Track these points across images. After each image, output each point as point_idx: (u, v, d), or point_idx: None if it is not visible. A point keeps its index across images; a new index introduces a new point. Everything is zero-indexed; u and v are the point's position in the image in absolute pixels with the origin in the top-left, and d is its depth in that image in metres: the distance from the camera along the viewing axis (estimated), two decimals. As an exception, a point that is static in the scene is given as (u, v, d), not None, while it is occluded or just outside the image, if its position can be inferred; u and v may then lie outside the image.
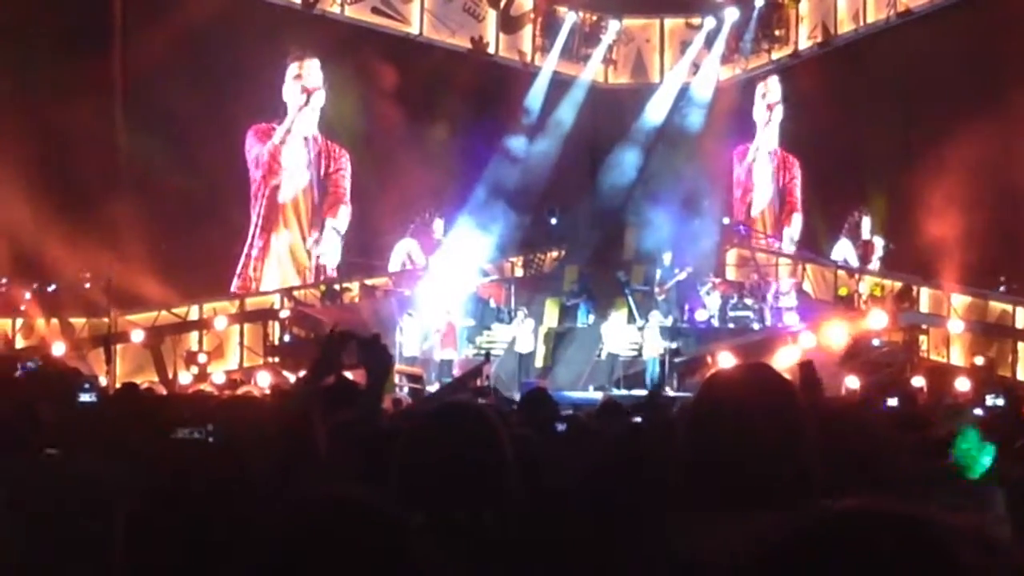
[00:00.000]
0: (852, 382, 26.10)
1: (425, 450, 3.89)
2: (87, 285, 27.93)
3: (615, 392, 28.20)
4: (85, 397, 12.39)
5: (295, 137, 34.39)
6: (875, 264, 34.07)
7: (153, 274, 28.49)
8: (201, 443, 5.55)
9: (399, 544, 2.54)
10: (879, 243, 33.70)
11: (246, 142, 33.29)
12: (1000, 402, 15.26)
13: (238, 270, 32.93)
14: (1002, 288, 29.22)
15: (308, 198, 34.77)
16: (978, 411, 13.76)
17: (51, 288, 27.84)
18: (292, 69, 33.92)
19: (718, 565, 1.87)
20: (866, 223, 34.67)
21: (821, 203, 34.98)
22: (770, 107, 37.42)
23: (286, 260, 33.98)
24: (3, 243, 26.60)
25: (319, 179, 34.96)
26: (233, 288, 32.52)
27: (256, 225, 33.66)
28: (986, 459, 7.22)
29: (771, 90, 37.47)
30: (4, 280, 27.64)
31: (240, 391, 20.04)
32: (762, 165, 37.78)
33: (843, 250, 35.39)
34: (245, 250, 33.24)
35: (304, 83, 34.18)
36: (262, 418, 4.99)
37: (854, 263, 34.81)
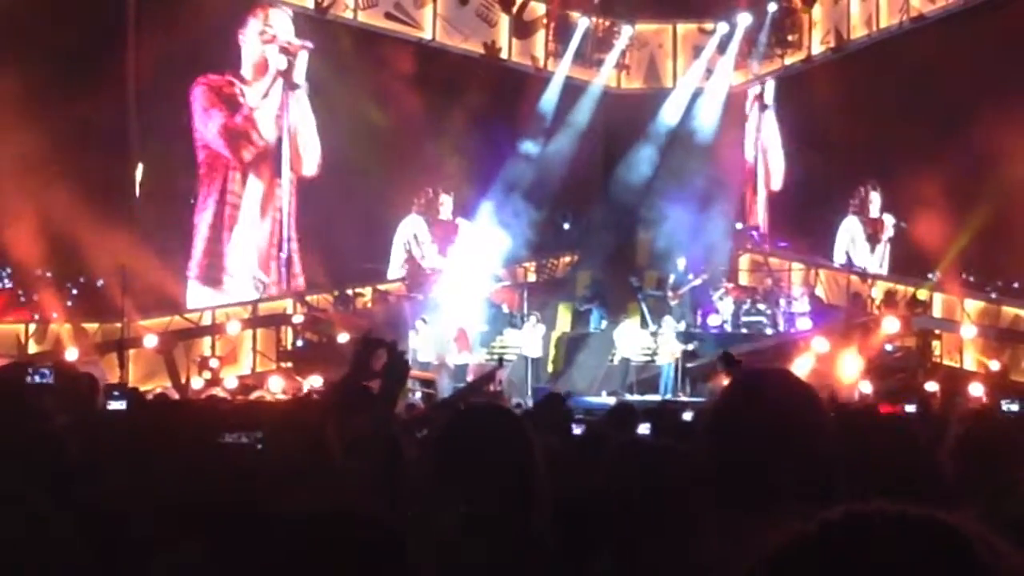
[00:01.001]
0: (865, 387, 26.13)
1: (462, 449, 3.93)
2: (100, 282, 27.92)
3: (628, 397, 28.21)
4: (115, 404, 11.98)
5: (271, 102, 33.48)
6: (884, 247, 34.02)
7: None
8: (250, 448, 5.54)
9: (396, 556, 2.56)
10: (889, 221, 33.56)
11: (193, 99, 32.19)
12: (1015, 408, 15.13)
13: (197, 257, 31.89)
14: (993, 294, 29.30)
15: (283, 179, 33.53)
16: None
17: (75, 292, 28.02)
18: (254, 25, 33.11)
19: (740, 567, 1.86)
20: (875, 199, 34.59)
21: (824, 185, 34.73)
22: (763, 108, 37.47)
23: (252, 254, 32.98)
24: (32, 244, 26.63)
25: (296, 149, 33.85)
26: (193, 275, 31.69)
27: (221, 211, 32.53)
28: None
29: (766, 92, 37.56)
30: (46, 273, 27.70)
31: (253, 396, 20.11)
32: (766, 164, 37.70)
33: (850, 228, 35.32)
34: (205, 234, 32.17)
35: (279, 41, 33.33)
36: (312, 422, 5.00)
37: (861, 243, 34.74)
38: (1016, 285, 29.16)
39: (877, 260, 34.63)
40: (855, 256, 35.01)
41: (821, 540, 1.78)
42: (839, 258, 35.76)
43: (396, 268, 35.64)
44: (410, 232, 35.99)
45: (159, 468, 5.42)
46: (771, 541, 1.83)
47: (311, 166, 33.79)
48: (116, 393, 12.94)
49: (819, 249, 35.39)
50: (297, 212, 33.41)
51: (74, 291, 28.34)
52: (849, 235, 35.40)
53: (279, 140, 33.23)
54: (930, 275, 30.36)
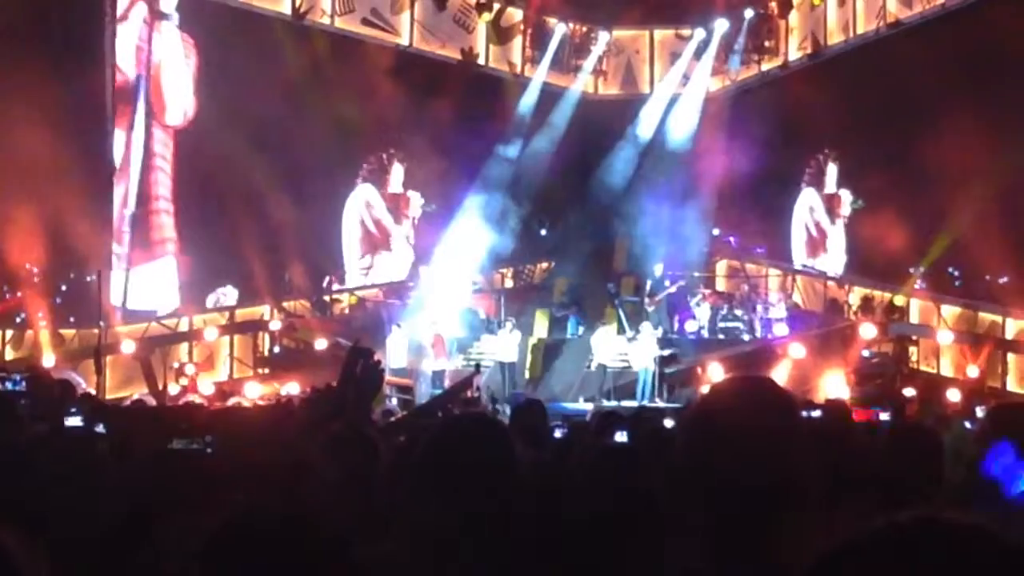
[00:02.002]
0: (844, 393, 26.12)
1: (446, 454, 3.97)
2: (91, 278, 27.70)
3: (605, 403, 28.22)
4: (72, 421, 11.26)
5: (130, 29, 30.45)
6: (839, 227, 34.12)
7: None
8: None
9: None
10: (846, 197, 33.63)
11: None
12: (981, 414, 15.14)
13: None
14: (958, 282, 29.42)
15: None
16: (967, 423, 13.73)
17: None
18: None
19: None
20: (831, 171, 34.64)
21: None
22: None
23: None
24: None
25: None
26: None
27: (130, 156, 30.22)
28: None
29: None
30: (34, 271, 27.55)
31: (230, 402, 20.07)
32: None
33: (808, 200, 35.41)
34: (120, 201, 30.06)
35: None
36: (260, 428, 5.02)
37: (821, 214, 34.85)
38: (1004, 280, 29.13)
39: (838, 234, 34.68)
40: (817, 229, 35.12)
41: (871, 548, 1.79)
42: (798, 233, 35.85)
43: (353, 243, 35.08)
44: (362, 202, 35.48)
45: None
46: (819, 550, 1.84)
47: (176, 115, 30.71)
48: (73, 409, 12.53)
49: (776, 227, 35.53)
50: (175, 170, 30.69)
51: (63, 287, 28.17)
52: (807, 206, 35.47)
53: (139, 78, 30.30)
54: (912, 269, 30.29)
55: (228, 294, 31.30)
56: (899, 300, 31.06)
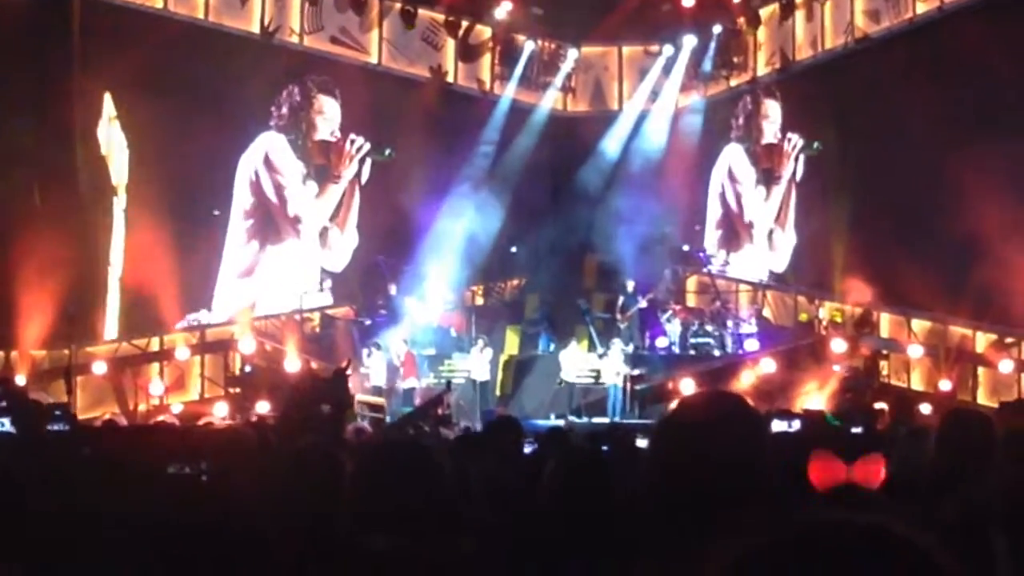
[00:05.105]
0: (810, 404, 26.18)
1: (383, 483, 3.98)
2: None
3: (576, 420, 28.25)
4: (56, 426, 11.83)
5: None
6: (786, 189, 34.24)
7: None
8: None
9: None
10: (796, 142, 34.03)
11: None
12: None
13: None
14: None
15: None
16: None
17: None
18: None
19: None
20: (772, 112, 34.90)
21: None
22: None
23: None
24: None
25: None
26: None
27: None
28: None
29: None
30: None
31: (201, 422, 20.02)
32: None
33: (730, 156, 35.69)
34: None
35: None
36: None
37: (749, 184, 34.97)
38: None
39: (771, 211, 34.63)
40: (741, 204, 35.30)
41: (787, 548, 1.79)
42: (713, 210, 35.90)
43: (238, 216, 31.91)
44: (258, 158, 32.35)
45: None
46: (731, 550, 1.84)
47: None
48: (58, 414, 12.79)
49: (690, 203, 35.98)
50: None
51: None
52: (726, 165, 35.68)
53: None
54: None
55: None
56: (837, 316, 31.26)
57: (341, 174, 33.18)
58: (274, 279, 31.56)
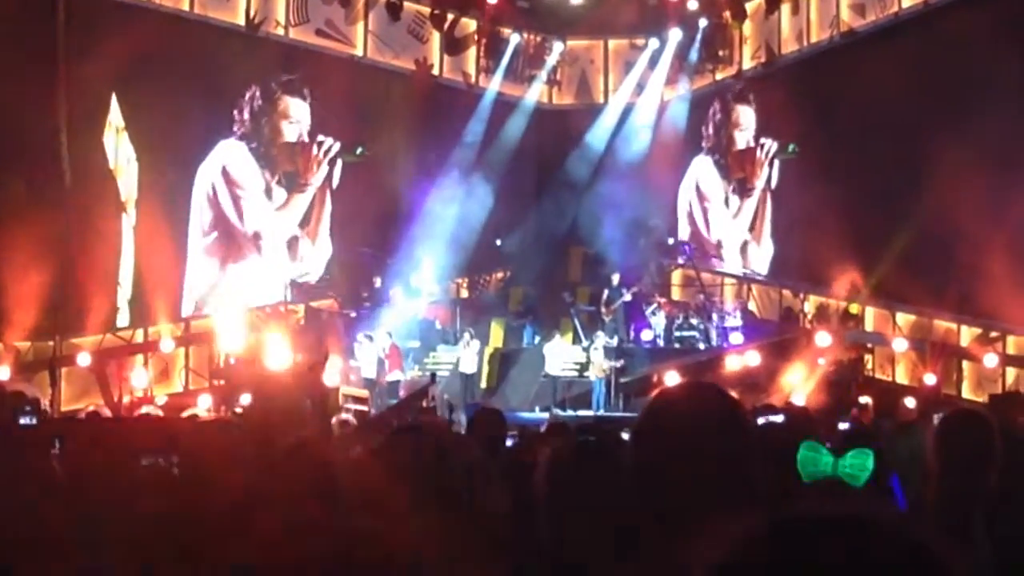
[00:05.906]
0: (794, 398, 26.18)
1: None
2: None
3: (560, 413, 28.24)
4: (25, 420, 11.81)
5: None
6: (759, 201, 34.23)
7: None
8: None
9: None
10: (770, 147, 34.10)
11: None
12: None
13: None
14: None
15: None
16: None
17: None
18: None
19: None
20: (745, 119, 34.88)
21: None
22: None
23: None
24: None
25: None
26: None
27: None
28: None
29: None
30: None
31: (185, 414, 19.98)
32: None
33: (698, 171, 35.80)
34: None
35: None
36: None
37: (718, 200, 34.97)
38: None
39: (742, 226, 34.67)
40: (708, 221, 35.30)
41: (770, 541, 1.78)
42: (683, 228, 36.12)
43: (197, 232, 30.73)
44: (215, 170, 30.94)
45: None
46: (717, 547, 1.83)
47: None
48: (28, 408, 12.80)
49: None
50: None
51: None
52: (694, 181, 35.79)
53: None
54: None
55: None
56: (854, 308, 31.12)
57: (309, 181, 32.06)
58: (237, 299, 30.36)
